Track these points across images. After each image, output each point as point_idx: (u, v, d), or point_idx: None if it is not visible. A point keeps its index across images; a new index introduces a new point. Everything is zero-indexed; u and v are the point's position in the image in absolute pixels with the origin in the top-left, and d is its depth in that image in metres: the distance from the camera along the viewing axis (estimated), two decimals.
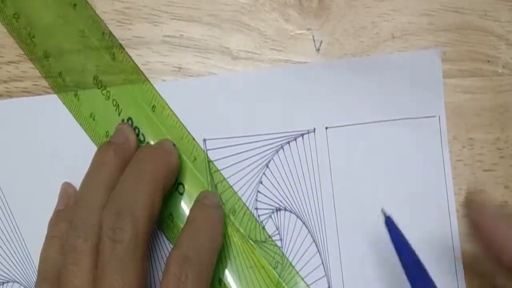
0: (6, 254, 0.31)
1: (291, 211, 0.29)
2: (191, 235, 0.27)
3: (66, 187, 0.30)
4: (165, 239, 0.30)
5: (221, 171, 0.30)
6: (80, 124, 0.30)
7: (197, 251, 0.26)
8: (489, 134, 0.29)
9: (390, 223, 0.26)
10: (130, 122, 0.30)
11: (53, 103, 0.31)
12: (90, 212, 0.26)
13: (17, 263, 0.31)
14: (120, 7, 0.31)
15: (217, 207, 0.29)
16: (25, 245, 0.31)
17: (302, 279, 0.29)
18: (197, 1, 0.30)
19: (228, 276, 0.29)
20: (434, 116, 0.29)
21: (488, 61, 0.29)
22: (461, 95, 0.29)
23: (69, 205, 0.30)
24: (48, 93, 0.31)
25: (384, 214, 0.26)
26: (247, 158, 0.30)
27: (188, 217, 0.28)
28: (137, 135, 0.30)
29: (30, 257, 0.31)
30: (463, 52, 0.29)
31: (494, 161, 0.29)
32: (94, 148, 0.29)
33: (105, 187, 0.27)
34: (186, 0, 0.30)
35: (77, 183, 0.29)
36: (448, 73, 0.29)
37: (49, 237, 0.29)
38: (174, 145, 0.29)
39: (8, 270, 0.31)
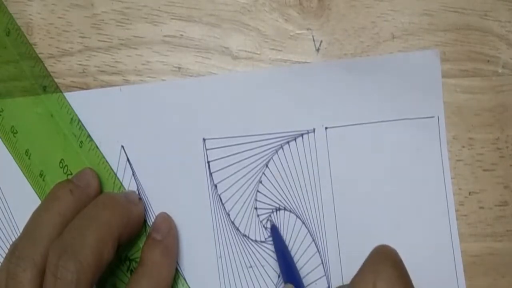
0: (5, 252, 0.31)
1: (290, 211, 0.29)
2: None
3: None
4: None
5: (220, 171, 0.30)
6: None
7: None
8: (489, 134, 0.29)
9: (274, 231, 0.29)
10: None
11: None
12: (32, 243, 0.26)
13: None
14: (120, 7, 0.31)
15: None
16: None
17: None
18: (197, 1, 0.30)
19: (228, 276, 0.29)
20: (433, 117, 0.29)
21: (488, 61, 0.29)
22: (461, 95, 0.29)
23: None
24: (48, 92, 0.31)
25: (270, 222, 0.29)
26: (246, 158, 0.30)
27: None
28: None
29: None
30: (463, 52, 0.29)
31: (494, 161, 0.29)
32: None
33: (53, 222, 0.27)
34: (186, 0, 0.30)
35: None
36: (448, 73, 0.29)
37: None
38: (140, 198, 0.30)
39: None
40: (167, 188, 0.30)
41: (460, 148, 0.29)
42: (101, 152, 0.30)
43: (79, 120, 0.30)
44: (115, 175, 0.30)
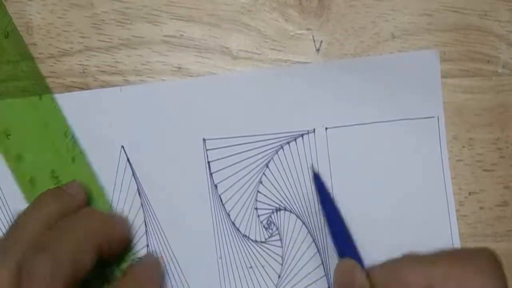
0: None
1: (291, 211, 0.29)
2: None
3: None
4: None
5: (221, 171, 0.30)
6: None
7: None
8: (489, 134, 0.29)
9: (317, 179, 0.28)
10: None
11: None
12: (14, 244, 0.26)
13: None
14: (120, 7, 0.31)
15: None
16: None
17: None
18: (197, 1, 0.30)
19: (228, 276, 0.29)
20: (433, 117, 0.29)
21: (488, 61, 0.29)
22: (461, 95, 0.29)
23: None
24: (49, 92, 0.31)
25: (313, 170, 0.28)
26: (246, 158, 0.30)
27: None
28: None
29: None
30: (463, 52, 0.29)
31: (494, 161, 0.29)
32: None
33: (37, 226, 0.26)
34: (186, 0, 0.30)
35: None
36: (448, 73, 0.29)
37: None
38: (126, 219, 0.30)
39: None
40: (167, 189, 0.30)
41: (460, 148, 0.29)
42: (93, 170, 0.30)
43: (73, 135, 0.30)
44: (104, 195, 0.30)
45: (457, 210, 0.29)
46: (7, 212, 0.31)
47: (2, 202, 0.31)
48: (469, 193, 0.29)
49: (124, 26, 0.31)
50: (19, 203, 0.31)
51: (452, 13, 0.29)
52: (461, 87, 0.29)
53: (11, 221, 0.31)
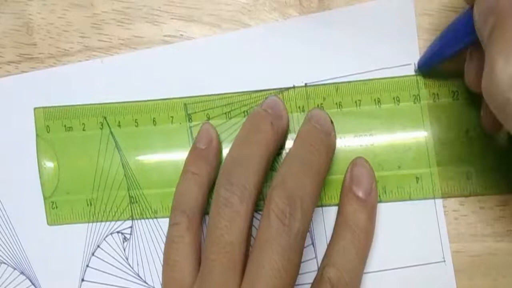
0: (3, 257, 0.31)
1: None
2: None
3: (208, 127, 0.29)
4: None
5: None
6: None
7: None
8: None
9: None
10: None
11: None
12: (246, 174, 0.25)
13: (4, 244, 0.31)
14: (120, 7, 0.31)
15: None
16: (12, 225, 0.31)
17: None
18: (197, 1, 0.30)
19: None
20: (409, 64, 0.29)
21: None
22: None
23: (212, 146, 0.29)
24: None
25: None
26: (228, 120, 0.30)
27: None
28: None
29: (17, 238, 0.31)
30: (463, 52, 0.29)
31: None
32: None
33: (260, 154, 0.26)
34: (186, 0, 0.30)
35: None
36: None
37: (188, 172, 0.28)
38: (332, 122, 0.28)
39: None
40: (151, 158, 0.30)
41: None
42: None
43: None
44: None
45: (457, 210, 0.29)
46: (5, 218, 0.31)
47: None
48: (469, 193, 0.29)
49: (124, 26, 0.31)
50: (3, 184, 0.31)
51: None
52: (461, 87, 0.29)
53: (8, 223, 0.31)
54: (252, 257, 0.24)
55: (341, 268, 0.26)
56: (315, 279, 0.27)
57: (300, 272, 0.24)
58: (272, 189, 0.25)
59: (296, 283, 0.24)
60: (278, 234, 0.24)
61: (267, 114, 0.28)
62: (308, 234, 0.27)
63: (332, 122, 0.28)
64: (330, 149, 0.27)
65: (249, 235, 0.25)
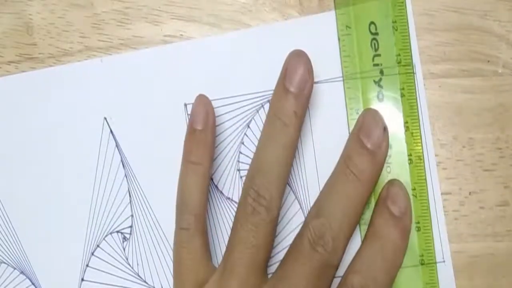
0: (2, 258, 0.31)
1: None
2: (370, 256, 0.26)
3: (204, 100, 0.28)
4: None
5: None
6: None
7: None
8: (489, 134, 0.29)
9: None
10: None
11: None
12: (271, 182, 0.25)
13: (4, 244, 0.31)
14: (120, 7, 0.31)
15: (405, 214, 0.27)
16: (12, 225, 0.31)
17: None
18: (197, 1, 0.30)
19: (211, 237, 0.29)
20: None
21: (488, 61, 0.29)
22: (461, 95, 0.29)
23: (209, 125, 0.28)
24: None
25: None
26: (228, 120, 0.30)
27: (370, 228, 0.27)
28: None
29: (18, 238, 0.31)
30: (463, 52, 0.29)
31: (494, 161, 0.29)
32: None
33: (285, 155, 0.26)
34: (186, 0, 0.30)
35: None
36: (448, 73, 0.29)
37: (189, 163, 0.28)
38: (378, 112, 0.27)
39: None
40: (151, 157, 0.30)
41: (460, 148, 0.29)
42: None
43: None
44: None
45: (457, 210, 0.29)
46: (4, 217, 0.31)
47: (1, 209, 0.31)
48: (469, 193, 0.29)
49: (124, 26, 0.31)
50: (3, 183, 0.31)
51: (452, 13, 0.29)
52: (461, 87, 0.29)
53: (10, 222, 0.31)
54: (281, 266, 0.25)
55: (366, 275, 0.25)
56: (338, 286, 0.26)
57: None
58: (309, 218, 0.26)
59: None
60: (309, 260, 0.25)
61: (288, 97, 0.26)
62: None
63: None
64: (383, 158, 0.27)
65: (273, 239, 0.26)
